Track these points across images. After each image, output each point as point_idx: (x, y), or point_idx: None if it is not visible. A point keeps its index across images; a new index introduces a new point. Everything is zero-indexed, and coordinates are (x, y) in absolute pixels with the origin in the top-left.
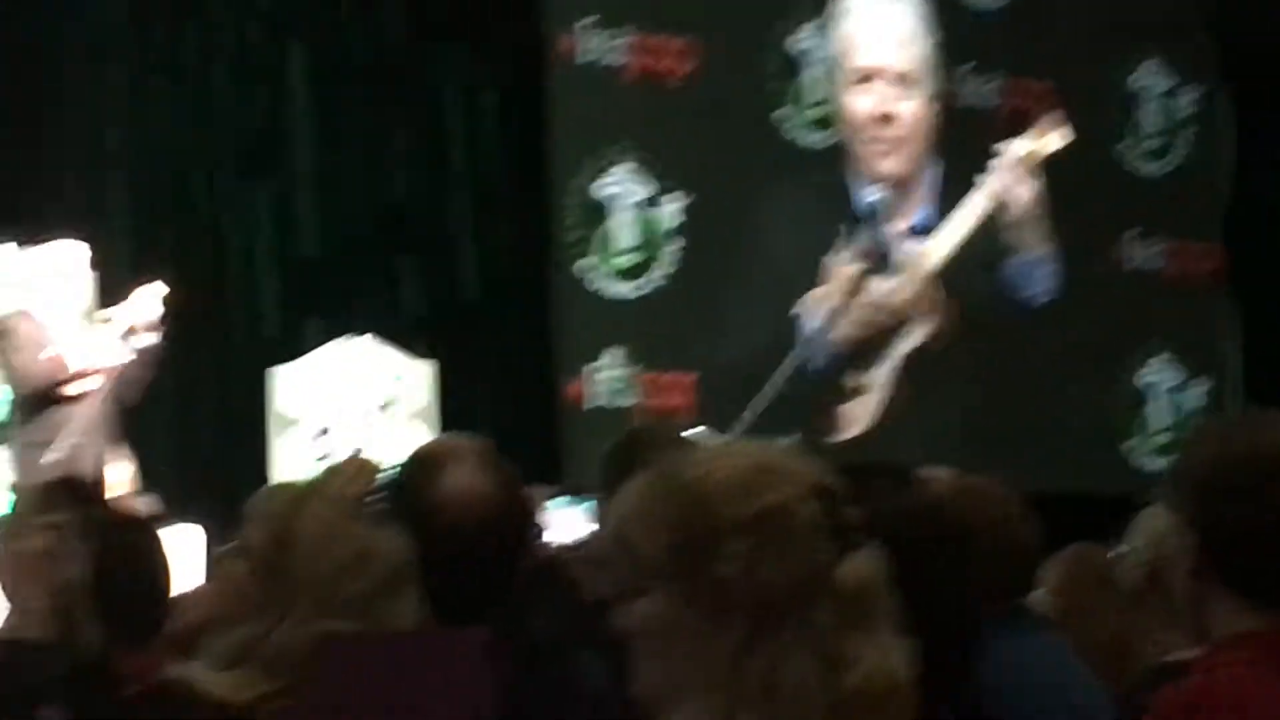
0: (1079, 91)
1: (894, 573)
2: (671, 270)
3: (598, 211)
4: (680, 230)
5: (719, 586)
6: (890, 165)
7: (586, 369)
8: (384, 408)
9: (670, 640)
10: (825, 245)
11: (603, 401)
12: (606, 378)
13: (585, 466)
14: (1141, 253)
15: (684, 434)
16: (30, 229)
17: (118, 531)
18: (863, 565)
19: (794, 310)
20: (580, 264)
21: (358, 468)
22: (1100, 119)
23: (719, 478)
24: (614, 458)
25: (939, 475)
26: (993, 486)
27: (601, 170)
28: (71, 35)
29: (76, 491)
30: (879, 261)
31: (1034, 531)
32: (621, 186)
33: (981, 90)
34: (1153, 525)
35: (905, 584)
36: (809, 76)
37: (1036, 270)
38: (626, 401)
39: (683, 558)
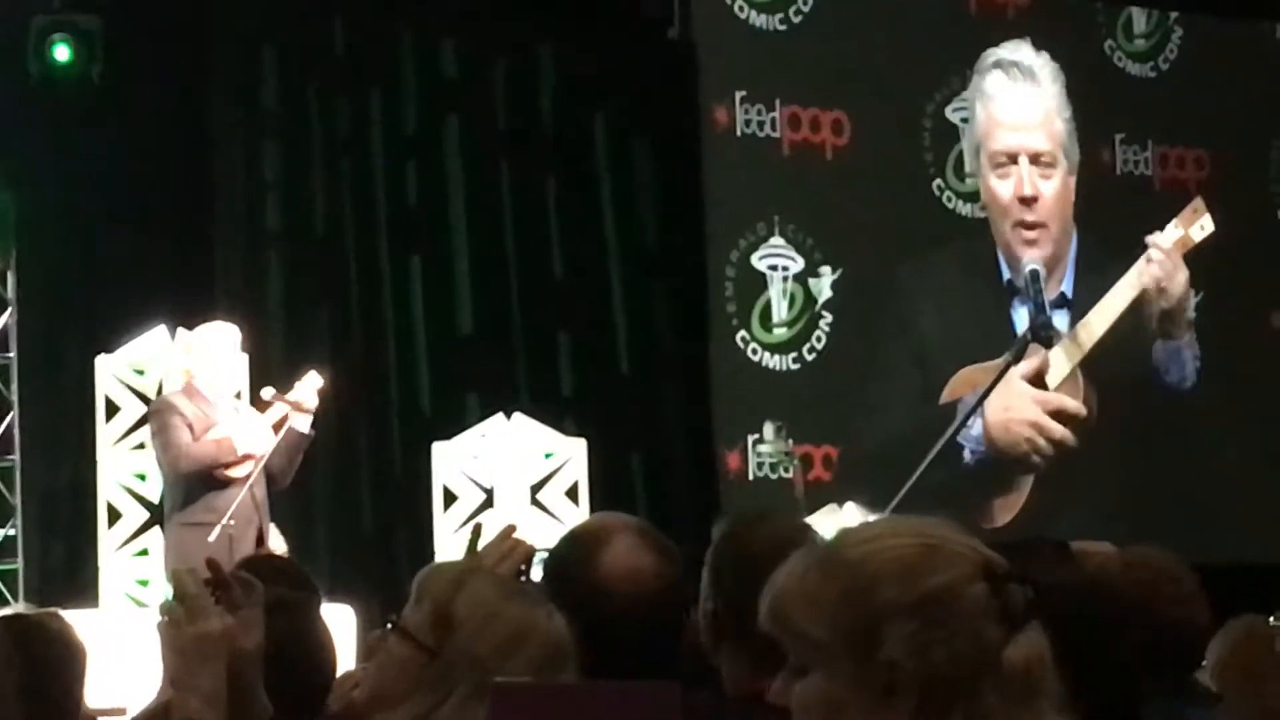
0: (1237, 160)
1: (1058, 650)
2: (825, 342)
3: (755, 284)
4: (834, 302)
5: (885, 668)
6: (1036, 251)
7: (746, 441)
8: (540, 484)
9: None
10: (979, 317)
11: (763, 473)
12: (766, 450)
13: None
14: None
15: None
16: (186, 312)
17: (289, 610)
18: (1029, 645)
19: (945, 388)
20: (738, 336)
21: (511, 546)
22: (1258, 188)
23: (884, 558)
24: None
25: (1100, 549)
26: (1160, 560)
27: (758, 243)
28: (226, 119)
29: (250, 570)
30: (1036, 333)
31: (1203, 605)
32: (777, 259)
33: (1136, 158)
34: None
35: (1070, 661)
36: (964, 146)
37: (1183, 355)
38: (785, 473)
39: (849, 639)
